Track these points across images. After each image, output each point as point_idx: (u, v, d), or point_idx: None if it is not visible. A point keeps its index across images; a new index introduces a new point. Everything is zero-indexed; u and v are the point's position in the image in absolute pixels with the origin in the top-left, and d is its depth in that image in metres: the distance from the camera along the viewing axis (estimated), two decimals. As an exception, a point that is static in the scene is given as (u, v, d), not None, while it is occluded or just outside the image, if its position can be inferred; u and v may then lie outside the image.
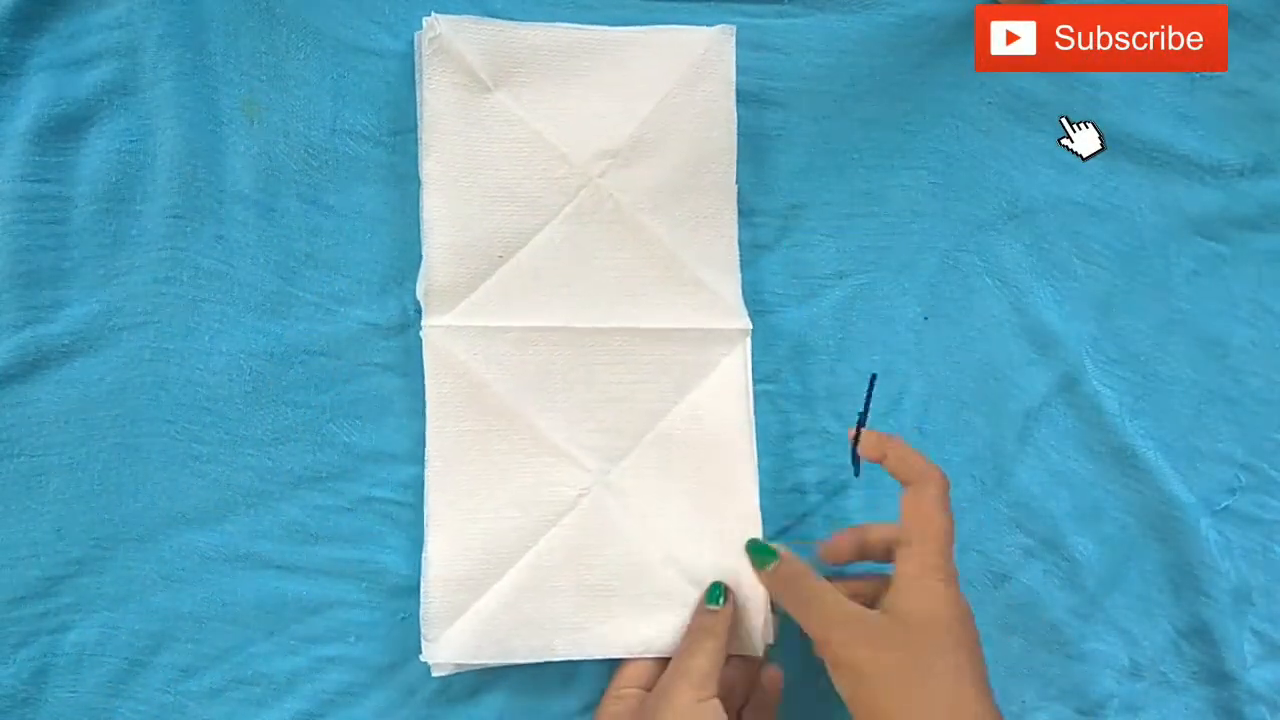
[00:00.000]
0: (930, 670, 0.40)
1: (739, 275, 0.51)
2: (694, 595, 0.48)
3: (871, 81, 0.54)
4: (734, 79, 0.51)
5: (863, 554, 0.47)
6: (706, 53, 0.51)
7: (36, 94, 0.48)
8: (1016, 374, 0.53)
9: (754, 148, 0.52)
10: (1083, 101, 0.54)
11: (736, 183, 0.51)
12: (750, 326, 0.50)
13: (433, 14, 0.49)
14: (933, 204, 0.54)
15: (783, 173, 0.53)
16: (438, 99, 0.49)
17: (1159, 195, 0.55)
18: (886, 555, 0.46)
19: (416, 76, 0.50)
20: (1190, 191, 0.55)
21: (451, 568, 0.47)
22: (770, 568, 0.46)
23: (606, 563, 0.48)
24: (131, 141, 0.49)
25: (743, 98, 0.52)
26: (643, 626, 0.48)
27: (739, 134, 0.51)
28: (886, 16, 0.54)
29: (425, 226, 0.49)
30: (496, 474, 0.48)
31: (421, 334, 0.48)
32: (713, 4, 0.53)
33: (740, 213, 0.52)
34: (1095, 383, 0.53)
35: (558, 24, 0.50)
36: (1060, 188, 0.54)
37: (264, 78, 0.50)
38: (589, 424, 0.49)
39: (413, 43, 0.50)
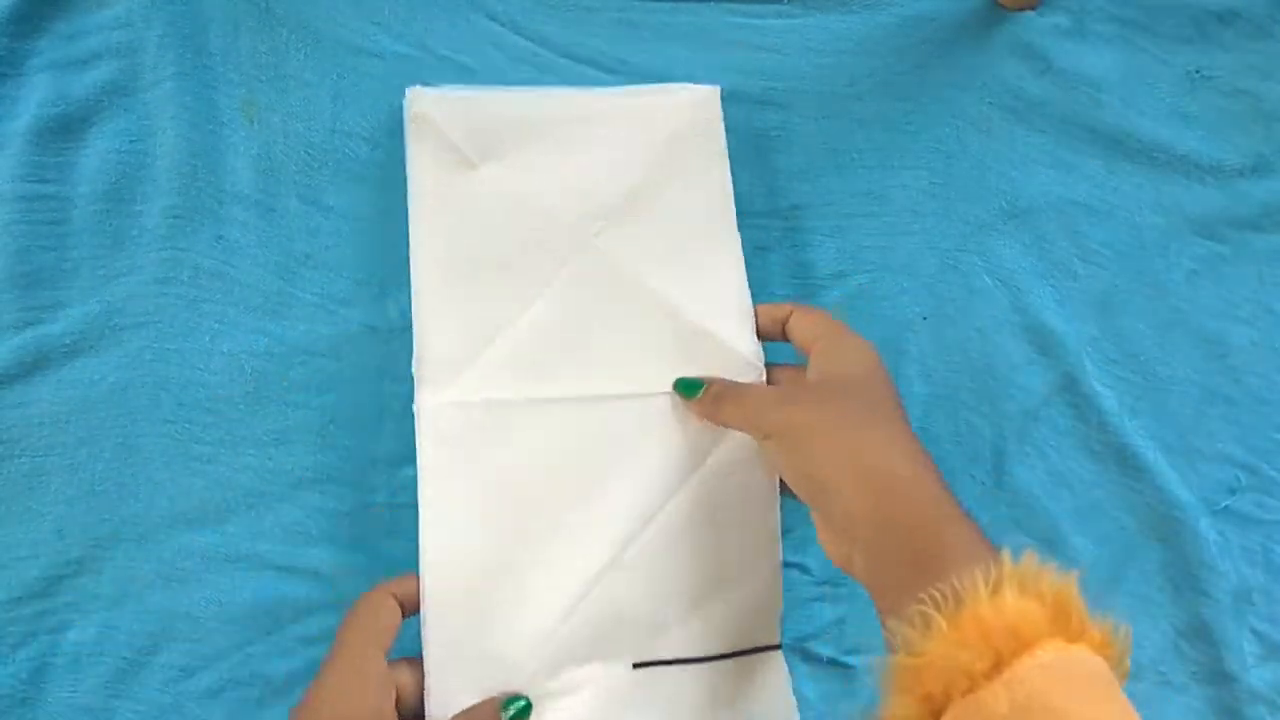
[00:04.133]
0: (866, 418, 0.40)
1: (753, 324, 0.48)
2: (706, 670, 0.46)
3: (871, 81, 0.54)
4: (723, 137, 0.50)
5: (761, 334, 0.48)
6: (693, 113, 0.50)
7: (36, 94, 0.48)
8: (1016, 374, 0.53)
9: (754, 148, 0.52)
10: (1083, 101, 0.54)
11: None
12: (764, 378, 0.48)
13: (416, 86, 0.48)
14: (933, 204, 0.54)
15: (783, 173, 0.53)
16: (424, 177, 0.47)
17: (1159, 195, 0.55)
18: (780, 333, 0.48)
19: (405, 140, 0.48)
20: (1190, 191, 0.55)
21: (455, 679, 0.43)
22: (700, 394, 0.45)
23: (621, 653, 0.45)
24: (131, 141, 0.49)
25: (743, 98, 0.52)
26: (652, 711, 0.45)
27: (739, 134, 0.51)
28: (886, 16, 0.54)
29: (415, 300, 0.46)
30: (501, 571, 0.44)
31: (415, 409, 0.45)
32: (713, 4, 0.53)
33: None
34: (1095, 383, 0.53)
35: (545, 89, 0.50)
36: (1060, 188, 0.54)
37: (264, 78, 0.50)
38: (603, 502, 0.46)
39: (412, 44, 0.50)
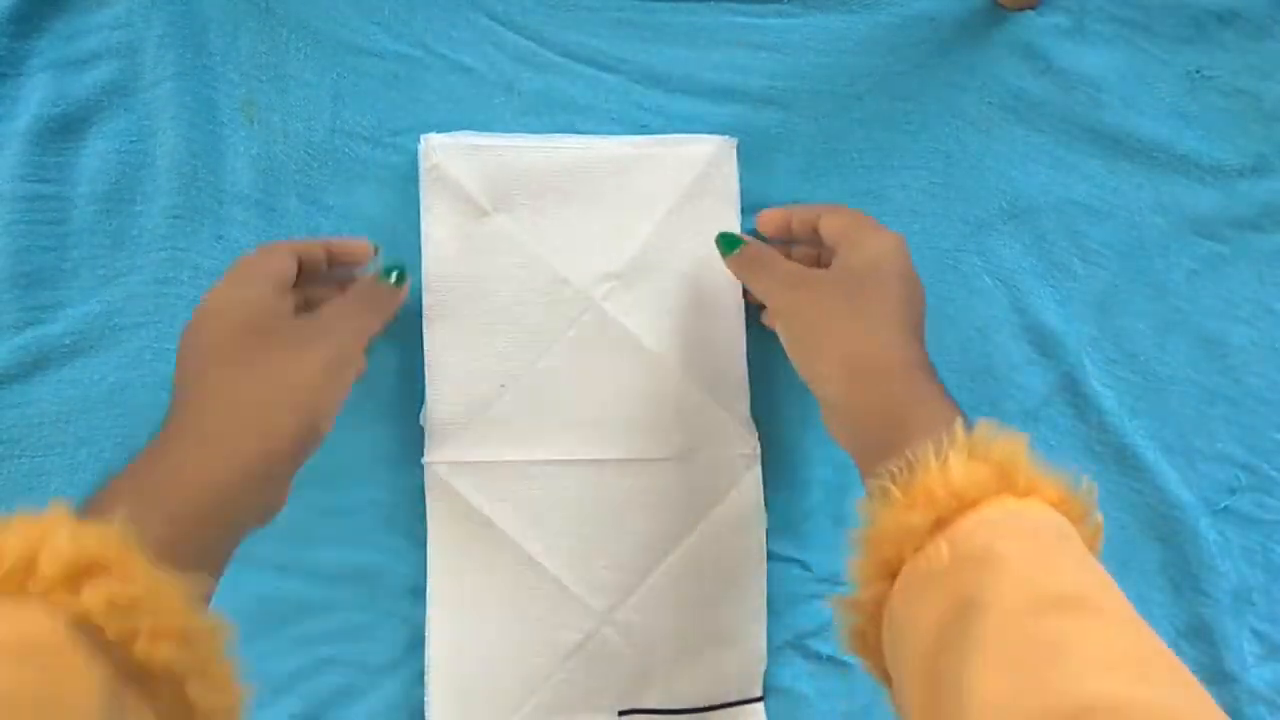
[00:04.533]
0: (860, 309, 0.41)
1: (748, 395, 0.50)
2: None
3: (871, 81, 0.54)
4: (736, 192, 0.51)
5: (789, 232, 0.48)
6: (708, 167, 0.50)
7: (36, 94, 0.48)
8: (1016, 374, 0.53)
9: (754, 148, 0.52)
10: (1083, 101, 0.54)
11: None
12: (759, 450, 0.49)
13: (430, 134, 0.48)
14: (933, 204, 0.54)
15: (783, 173, 0.53)
16: (438, 227, 0.48)
17: (1159, 195, 0.55)
18: (813, 234, 0.47)
19: (420, 189, 0.49)
20: (1190, 191, 0.55)
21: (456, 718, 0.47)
22: (738, 251, 0.46)
23: (608, 701, 0.48)
24: (131, 141, 0.49)
25: (742, 97, 0.52)
26: None
27: (739, 134, 0.51)
28: (886, 16, 0.54)
29: (428, 357, 0.48)
30: (499, 621, 0.47)
31: (423, 465, 0.48)
32: (713, 4, 0.53)
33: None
34: (1095, 383, 0.53)
35: (559, 137, 0.50)
36: (1060, 188, 0.54)
37: (264, 78, 0.50)
38: (598, 560, 0.48)
39: (412, 44, 0.50)
